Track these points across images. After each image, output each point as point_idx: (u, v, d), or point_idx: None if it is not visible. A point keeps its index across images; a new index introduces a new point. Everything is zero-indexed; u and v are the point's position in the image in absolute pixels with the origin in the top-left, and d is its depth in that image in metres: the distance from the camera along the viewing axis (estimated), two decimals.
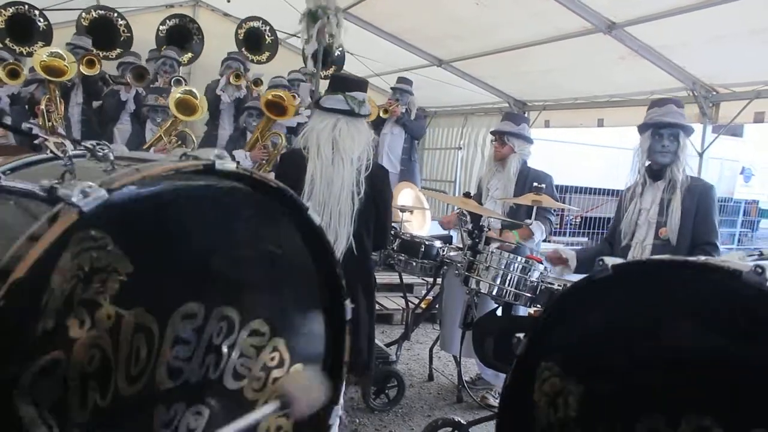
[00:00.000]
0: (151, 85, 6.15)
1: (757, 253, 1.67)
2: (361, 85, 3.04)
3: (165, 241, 1.36)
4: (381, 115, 6.56)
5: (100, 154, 1.33)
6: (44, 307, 1.08)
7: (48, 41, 6.07)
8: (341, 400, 1.81)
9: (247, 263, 1.56)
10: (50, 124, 5.02)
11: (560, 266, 3.30)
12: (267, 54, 7.34)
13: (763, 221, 16.84)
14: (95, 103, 6.15)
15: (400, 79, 6.70)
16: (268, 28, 7.26)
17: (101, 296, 1.18)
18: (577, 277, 1.84)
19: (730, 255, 1.22)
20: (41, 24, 6.20)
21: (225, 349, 1.50)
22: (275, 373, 1.63)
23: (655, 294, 1.42)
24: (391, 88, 6.73)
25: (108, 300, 1.20)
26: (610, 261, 1.49)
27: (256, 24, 7.25)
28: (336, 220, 2.77)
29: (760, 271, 1.16)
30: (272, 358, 1.62)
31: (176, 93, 5.04)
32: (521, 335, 2.21)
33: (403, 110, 6.57)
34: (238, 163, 1.46)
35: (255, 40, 7.27)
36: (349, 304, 1.78)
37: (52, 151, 1.36)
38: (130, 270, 1.24)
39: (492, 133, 4.41)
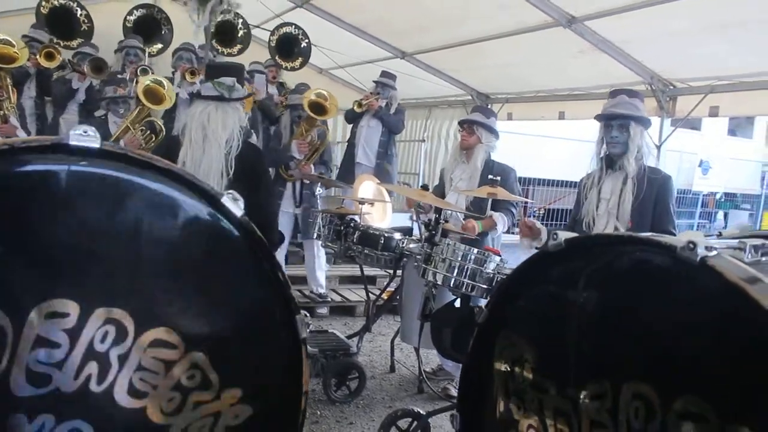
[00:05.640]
0: (119, 76, 5.99)
1: (716, 234, 1.74)
2: (228, 70, 3.31)
3: (19, 230, 1.21)
4: (355, 109, 6.50)
5: None
6: None
7: None
8: None
9: (142, 261, 1.37)
10: (2, 113, 4.86)
11: (529, 238, 3.31)
12: (239, 47, 7.26)
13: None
14: (47, 99, 6.02)
15: (384, 73, 6.62)
16: (240, 20, 7.16)
17: None
18: None
19: (691, 233, 1.25)
20: None
21: (113, 359, 1.30)
22: (197, 396, 1.40)
23: (602, 267, 1.47)
24: (374, 81, 6.65)
25: None
26: (564, 235, 1.56)
27: (228, 16, 7.14)
28: None
29: (692, 246, 1.20)
30: (190, 377, 1.40)
31: (145, 81, 4.92)
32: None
33: (383, 104, 6.51)
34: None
35: (228, 32, 7.15)
36: (302, 319, 1.55)
37: None
38: None
39: (461, 122, 4.42)
